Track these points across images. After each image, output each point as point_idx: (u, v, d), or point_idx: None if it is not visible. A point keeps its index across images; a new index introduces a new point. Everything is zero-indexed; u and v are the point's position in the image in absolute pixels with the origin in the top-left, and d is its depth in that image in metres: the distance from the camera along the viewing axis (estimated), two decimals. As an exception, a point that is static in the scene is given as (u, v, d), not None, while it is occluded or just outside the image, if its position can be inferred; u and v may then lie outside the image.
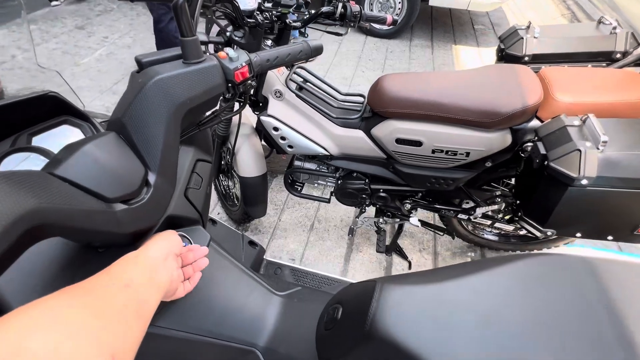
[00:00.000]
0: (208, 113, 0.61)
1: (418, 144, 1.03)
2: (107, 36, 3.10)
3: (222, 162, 1.52)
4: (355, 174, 1.26)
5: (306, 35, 1.16)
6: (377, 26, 3.25)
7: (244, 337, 0.67)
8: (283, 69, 1.12)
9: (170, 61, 0.49)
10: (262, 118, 1.14)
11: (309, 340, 0.69)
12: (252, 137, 1.36)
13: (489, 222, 1.22)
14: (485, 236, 1.44)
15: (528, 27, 1.16)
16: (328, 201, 1.40)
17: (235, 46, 0.94)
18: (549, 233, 0.81)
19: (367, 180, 1.25)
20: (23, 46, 2.88)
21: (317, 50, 0.63)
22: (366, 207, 1.36)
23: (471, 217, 1.20)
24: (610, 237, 0.75)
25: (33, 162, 0.50)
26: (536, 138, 0.81)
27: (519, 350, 0.40)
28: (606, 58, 1.05)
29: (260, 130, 1.34)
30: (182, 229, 0.59)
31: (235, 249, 1.06)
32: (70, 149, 0.41)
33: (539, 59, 1.10)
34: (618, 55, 1.03)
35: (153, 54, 0.50)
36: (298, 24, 1.02)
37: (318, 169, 1.32)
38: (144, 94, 0.45)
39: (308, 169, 1.32)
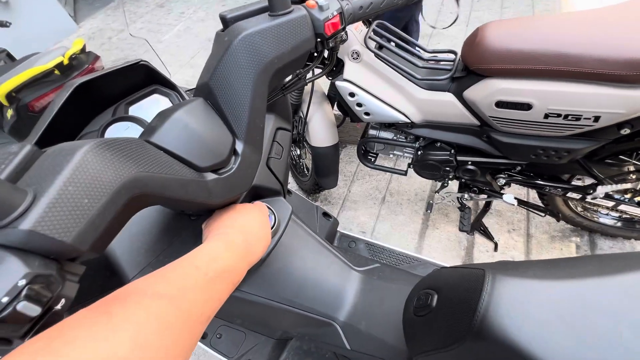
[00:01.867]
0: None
1: (526, 107, 0.85)
2: (184, 12, 3.25)
3: (294, 132, 1.50)
4: (438, 144, 1.12)
5: None
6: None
7: (323, 309, 0.66)
8: (360, 25, 1.01)
9: (256, 15, 0.43)
10: (338, 83, 1.06)
11: (393, 322, 0.65)
12: (324, 105, 1.30)
13: (610, 204, 0.99)
14: (601, 220, 1.19)
15: None
16: (405, 173, 1.29)
17: None
18: None
19: (452, 151, 1.10)
20: (117, 27, 3.19)
21: None
22: (448, 181, 1.23)
23: (587, 197, 0.99)
24: None
25: (132, 131, 0.51)
26: None
27: None
28: None
29: (333, 97, 1.27)
30: (264, 200, 0.57)
31: (310, 220, 1.05)
32: (163, 116, 0.40)
33: None
34: None
35: (238, 9, 0.45)
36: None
37: (395, 138, 1.21)
38: (230, 53, 0.41)
39: (384, 139, 1.22)
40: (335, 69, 1.09)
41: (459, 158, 1.10)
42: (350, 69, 1.02)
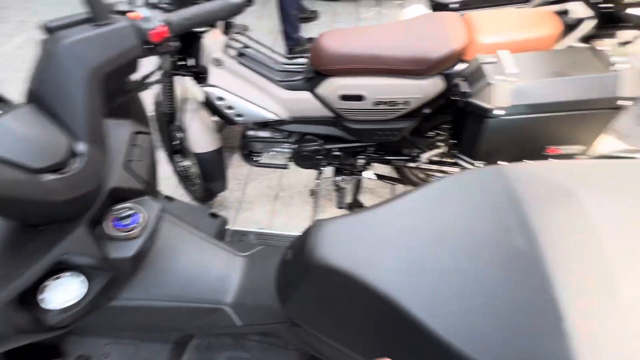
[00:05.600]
0: (136, 78, 0.60)
1: (360, 98, 1.07)
2: (24, 20, 2.77)
3: (176, 142, 1.48)
4: (308, 137, 1.29)
5: None
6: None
7: (211, 296, 0.70)
8: (219, 35, 1.10)
9: (79, 25, 0.47)
10: (205, 89, 1.12)
11: (272, 289, 0.75)
12: (200, 112, 1.34)
13: (435, 168, 1.32)
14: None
15: None
16: (286, 167, 1.42)
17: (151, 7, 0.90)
18: (480, 166, 0.90)
19: (321, 141, 1.29)
20: None
21: (238, 7, 0.63)
22: (322, 168, 1.41)
23: (417, 163, 1.29)
24: (525, 161, 0.84)
25: None
26: (463, 79, 0.88)
27: (432, 257, 0.44)
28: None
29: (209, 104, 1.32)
30: (129, 201, 0.60)
31: (196, 222, 1.08)
32: None
33: (467, 5, 1.15)
34: (534, -4, 1.11)
35: (62, 18, 0.48)
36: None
37: (272, 136, 1.33)
38: (53, 60, 0.44)
39: (262, 138, 1.33)
40: (202, 75, 1.14)
41: (327, 146, 1.29)
42: (215, 75, 1.10)
